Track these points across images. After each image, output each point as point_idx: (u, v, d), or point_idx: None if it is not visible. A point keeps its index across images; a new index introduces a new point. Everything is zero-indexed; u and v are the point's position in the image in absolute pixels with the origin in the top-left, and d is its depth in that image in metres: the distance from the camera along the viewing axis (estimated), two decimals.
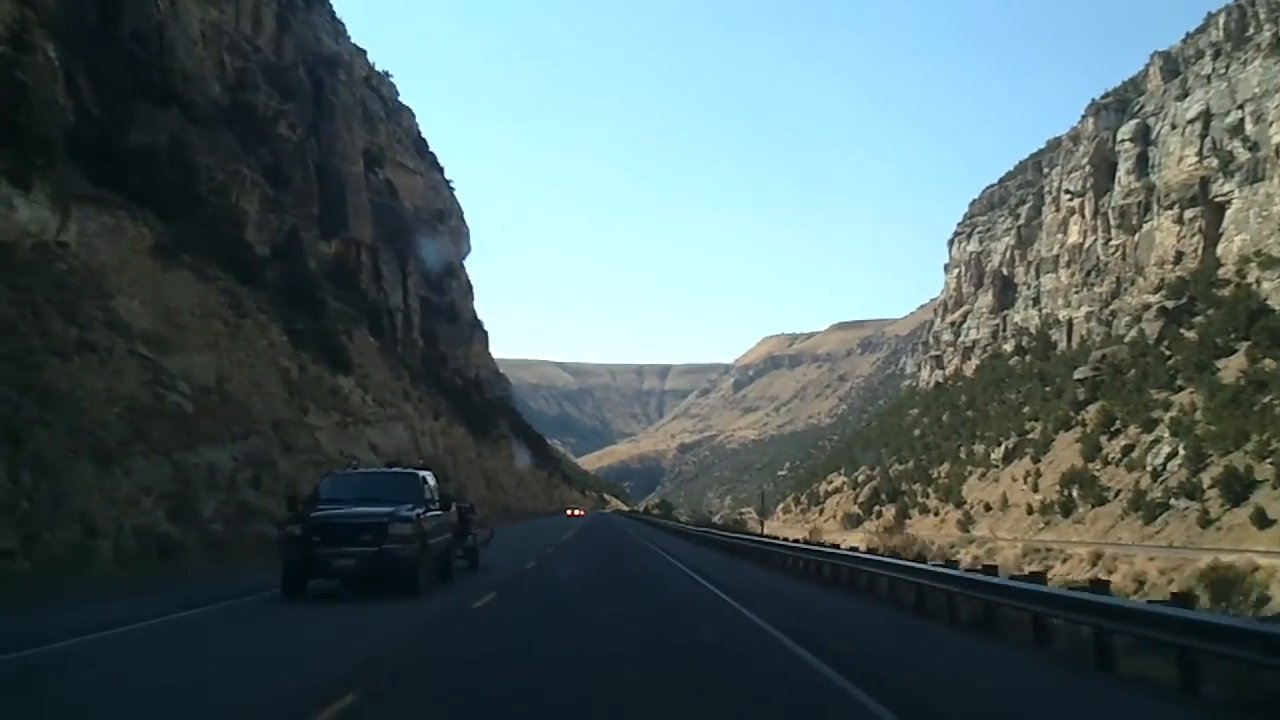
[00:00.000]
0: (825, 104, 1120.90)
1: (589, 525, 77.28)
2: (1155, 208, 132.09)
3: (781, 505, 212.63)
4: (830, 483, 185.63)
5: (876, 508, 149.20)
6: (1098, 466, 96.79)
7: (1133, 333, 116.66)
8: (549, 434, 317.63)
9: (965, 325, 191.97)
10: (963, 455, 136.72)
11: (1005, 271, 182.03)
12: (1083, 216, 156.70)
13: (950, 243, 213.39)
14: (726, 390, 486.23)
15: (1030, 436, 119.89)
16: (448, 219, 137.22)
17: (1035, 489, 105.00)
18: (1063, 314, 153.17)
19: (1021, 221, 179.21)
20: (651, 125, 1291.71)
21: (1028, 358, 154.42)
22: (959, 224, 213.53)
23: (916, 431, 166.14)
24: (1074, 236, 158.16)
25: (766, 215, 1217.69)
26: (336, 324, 51.81)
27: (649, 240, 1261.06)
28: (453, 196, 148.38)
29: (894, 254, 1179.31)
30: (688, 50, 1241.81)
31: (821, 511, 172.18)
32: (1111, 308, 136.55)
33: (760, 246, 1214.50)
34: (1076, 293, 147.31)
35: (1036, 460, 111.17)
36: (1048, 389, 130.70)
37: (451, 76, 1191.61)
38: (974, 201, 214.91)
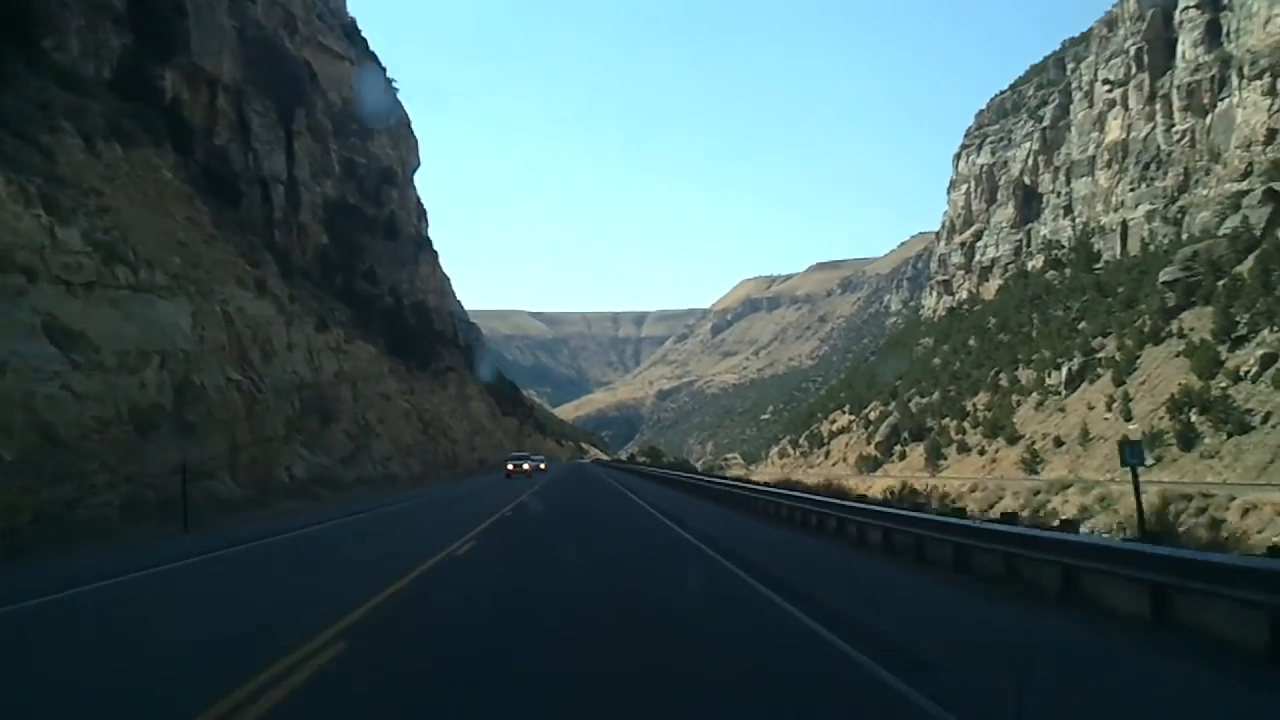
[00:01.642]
0: (799, 36, 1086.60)
1: (547, 492, 43.75)
2: (1235, 81, 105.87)
3: (776, 449, 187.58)
4: (834, 422, 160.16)
5: (898, 447, 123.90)
6: (1224, 384, 71.25)
7: (1232, 222, 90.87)
8: (524, 384, 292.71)
9: (980, 244, 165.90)
10: (1004, 383, 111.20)
11: (1027, 180, 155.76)
12: (1125, 108, 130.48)
13: (956, 157, 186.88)
14: (704, 335, 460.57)
15: (1100, 355, 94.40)
16: (385, 118, 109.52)
17: (1127, 417, 79.43)
18: (1107, 219, 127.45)
19: (1046, 124, 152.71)
20: (620, 69, 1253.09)
21: (1067, 271, 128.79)
22: (966, 136, 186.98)
23: (936, 361, 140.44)
24: (1115, 133, 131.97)
25: (741, 157, 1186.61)
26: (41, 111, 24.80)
27: (621, 185, 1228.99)
28: (395, 99, 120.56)
29: (873, 192, 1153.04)
30: None
31: (828, 454, 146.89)
32: (1180, 203, 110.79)
33: (736, 189, 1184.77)
34: (1132, 190, 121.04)
35: (1120, 382, 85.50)
36: (1109, 299, 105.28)
37: (429, 22, 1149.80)
38: (981, 112, 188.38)
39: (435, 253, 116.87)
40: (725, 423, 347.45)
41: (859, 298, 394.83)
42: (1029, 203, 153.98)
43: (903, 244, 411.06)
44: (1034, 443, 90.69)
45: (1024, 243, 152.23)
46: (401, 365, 65.27)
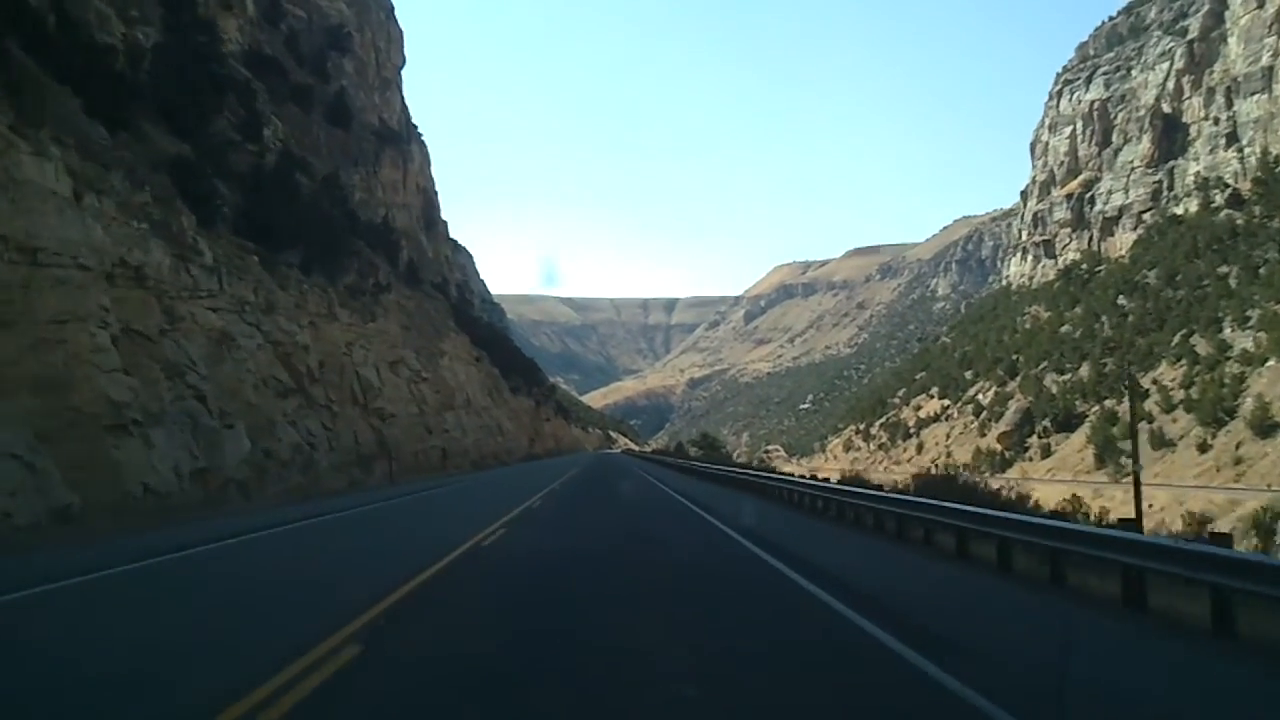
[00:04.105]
0: (830, 11, 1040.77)
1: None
2: None
3: (838, 440, 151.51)
4: (918, 408, 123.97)
5: (1033, 439, 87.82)
6: None
7: None
8: (551, 371, 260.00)
9: (1098, 192, 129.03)
10: (1202, 349, 75.18)
11: (1167, 109, 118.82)
12: None
13: (1055, 96, 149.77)
14: (737, 322, 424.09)
15: None
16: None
17: None
18: None
19: (1194, 36, 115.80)
20: (652, 49, 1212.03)
21: (1257, 208, 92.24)
22: (1065, 72, 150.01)
23: (1066, 329, 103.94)
24: None
25: (776, 140, 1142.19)
26: None
27: (652, 171, 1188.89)
28: None
29: (911, 177, 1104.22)
30: None
31: (920, 447, 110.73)
32: None
33: (770, 173, 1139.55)
34: None
35: None
36: None
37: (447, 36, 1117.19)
38: (1083, 44, 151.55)
39: (407, 158, 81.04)
40: (761, 412, 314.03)
41: (900, 283, 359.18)
42: (1170, 135, 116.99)
43: (945, 228, 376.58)
44: None
45: (1165, 184, 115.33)
46: (252, 256, 30.09)
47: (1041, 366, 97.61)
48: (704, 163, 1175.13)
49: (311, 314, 32.85)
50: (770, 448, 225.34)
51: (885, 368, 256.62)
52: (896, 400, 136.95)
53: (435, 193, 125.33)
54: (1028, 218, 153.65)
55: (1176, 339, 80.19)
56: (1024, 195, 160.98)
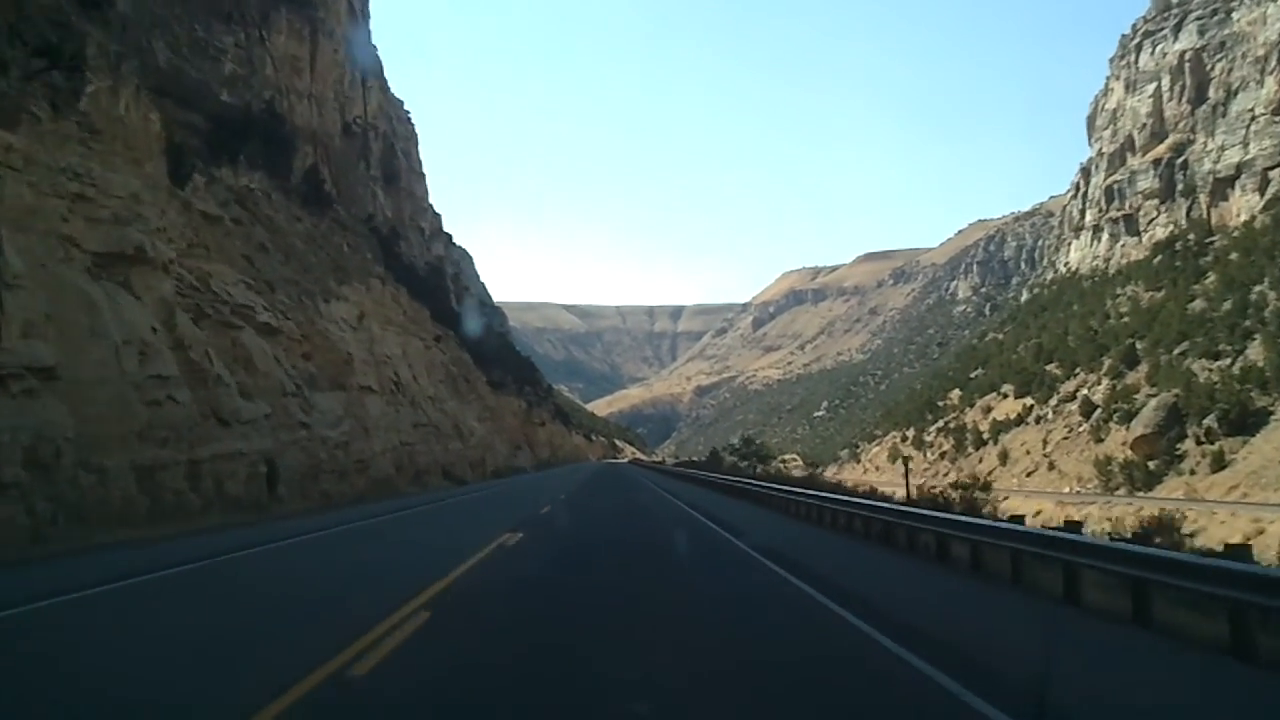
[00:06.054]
0: (837, 13, 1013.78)
1: None
2: None
3: (879, 448, 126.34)
4: (989, 410, 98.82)
5: (1195, 443, 62.48)
6: None
7: None
8: (555, 379, 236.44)
9: (1200, 151, 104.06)
10: None
11: None
12: None
13: (1127, 54, 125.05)
14: (745, 329, 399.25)
15: None
16: None
17: None
18: None
19: None
20: (660, 54, 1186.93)
21: None
22: (1146, 21, 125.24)
23: (1199, 306, 78.65)
24: None
25: (784, 147, 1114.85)
26: None
27: (659, 176, 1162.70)
28: None
29: (921, 183, 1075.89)
30: None
31: (1006, 458, 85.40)
32: None
33: (778, 179, 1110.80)
34: None
35: None
36: None
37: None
38: None
39: (318, 29, 54.51)
40: (772, 420, 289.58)
41: (914, 288, 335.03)
42: None
43: (960, 232, 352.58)
44: None
45: None
46: None
47: (1179, 351, 72.37)
48: (711, 169, 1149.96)
49: None
50: (786, 457, 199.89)
51: (904, 373, 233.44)
52: (953, 402, 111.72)
53: (412, 154, 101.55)
54: (1094, 195, 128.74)
55: None
56: (1085, 171, 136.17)
